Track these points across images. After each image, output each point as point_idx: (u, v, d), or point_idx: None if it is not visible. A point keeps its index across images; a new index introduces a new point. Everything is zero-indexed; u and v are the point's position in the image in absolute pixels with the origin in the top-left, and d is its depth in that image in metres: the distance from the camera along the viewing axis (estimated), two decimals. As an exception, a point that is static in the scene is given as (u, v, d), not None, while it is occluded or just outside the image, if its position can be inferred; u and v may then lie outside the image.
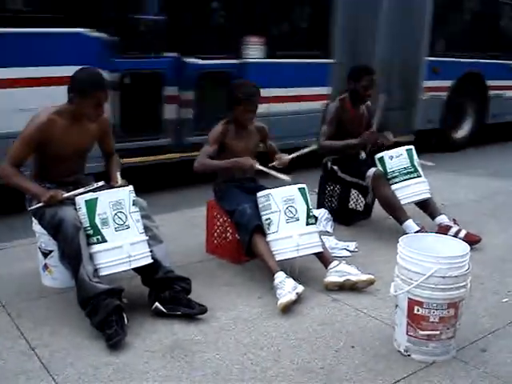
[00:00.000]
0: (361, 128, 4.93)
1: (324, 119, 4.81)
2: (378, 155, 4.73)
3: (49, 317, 3.22)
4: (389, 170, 4.63)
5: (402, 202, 4.55)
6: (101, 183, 3.38)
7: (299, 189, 3.68)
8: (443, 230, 4.45)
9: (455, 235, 4.26)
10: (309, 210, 3.68)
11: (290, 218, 3.60)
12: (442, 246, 2.99)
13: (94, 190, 3.24)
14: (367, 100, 4.87)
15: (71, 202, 3.23)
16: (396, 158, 4.64)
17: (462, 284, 2.82)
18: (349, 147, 4.81)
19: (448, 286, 2.78)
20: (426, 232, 4.18)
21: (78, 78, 3.32)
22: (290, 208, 3.61)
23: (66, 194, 3.26)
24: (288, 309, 3.34)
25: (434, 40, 8.50)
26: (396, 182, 4.59)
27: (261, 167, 3.90)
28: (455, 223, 4.56)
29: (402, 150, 4.66)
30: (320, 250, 3.69)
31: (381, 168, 4.66)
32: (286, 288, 3.38)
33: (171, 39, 6.11)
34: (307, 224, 3.64)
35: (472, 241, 4.15)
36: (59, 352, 2.87)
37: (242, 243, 3.74)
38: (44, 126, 3.28)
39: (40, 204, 3.25)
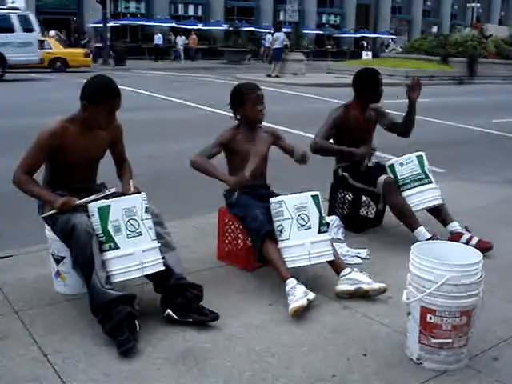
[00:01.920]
0: (370, 132, 4.93)
1: (325, 121, 4.81)
2: (389, 162, 4.73)
3: (61, 323, 3.23)
4: (399, 177, 4.62)
5: (414, 209, 4.53)
6: (113, 190, 3.40)
7: (312, 196, 3.67)
8: (455, 237, 4.43)
9: (467, 242, 4.25)
10: (321, 218, 3.67)
11: (302, 225, 3.60)
12: (455, 254, 2.99)
13: (106, 197, 3.26)
14: (379, 100, 4.87)
15: (84, 209, 3.24)
16: (406, 165, 4.62)
17: (474, 292, 2.81)
18: (342, 154, 4.79)
19: (461, 294, 2.78)
20: (438, 239, 4.17)
21: (89, 86, 3.35)
22: (302, 215, 3.60)
23: (79, 201, 3.28)
24: (299, 314, 3.33)
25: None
26: (407, 189, 4.58)
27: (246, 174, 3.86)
28: (467, 230, 4.54)
29: (413, 156, 4.65)
30: (332, 258, 3.68)
31: (391, 175, 4.64)
32: (297, 294, 3.37)
33: None
34: (319, 232, 3.63)
35: (484, 248, 4.13)
36: (71, 359, 2.88)
37: (255, 249, 3.75)
38: (57, 133, 3.31)
39: (53, 211, 3.27)
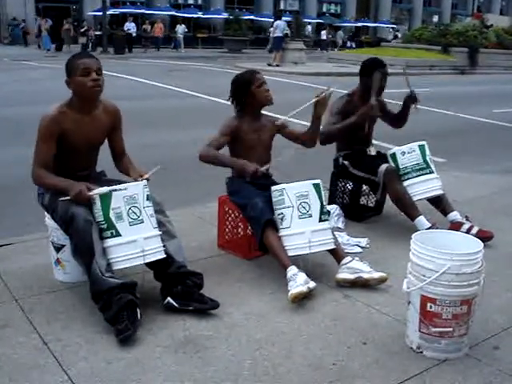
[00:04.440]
0: (370, 121, 4.92)
1: (329, 111, 4.79)
2: (390, 151, 4.72)
3: (61, 311, 3.23)
4: (401, 166, 4.61)
5: (415, 199, 4.53)
6: (124, 186, 3.29)
7: (313, 185, 3.66)
8: (455, 226, 4.42)
9: (467, 232, 4.25)
10: (322, 207, 3.66)
11: (302, 213, 3.59)
12: (456, 243, 2.98)
13: (109, 185, 3.23)
14: (381, 93, 4.84)
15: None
16: (408, 154, 4.61)
17: (475, 281, 2.81)
18: (348, 127, 4.74)
19: (461, 283, 2.77)
20: (438, 228, 4.16)
21: (66, 63, 3.39)
22: (303, 204, 3.59)
23: (92, 192, 3.18)
24: (299, 300, 3.34)
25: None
26: (408, 178, 4.57)
27: (264, 168, 3.85)
28: (467, 220, 4.53)
29: (415, 145, 4.63)
30: (332, 246, 3.68)
31: (393, 164, 4.63)
32: (299, 280, 3.38)
33: None
34: (320, 220, 3.63)
35: (484, 237, 4.12)
36: (72, 346, 2.88)
37: (255, 237, 3.74)
38: (57, 118, 3.32)
39: (67, 197, 3.23)
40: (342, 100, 4.81)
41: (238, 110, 4.09)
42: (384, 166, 4.58)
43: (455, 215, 4.58)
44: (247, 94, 3.99)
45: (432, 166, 4.63)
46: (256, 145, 4.00)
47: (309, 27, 43.38)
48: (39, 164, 3.33)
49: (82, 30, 31.83)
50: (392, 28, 50.38)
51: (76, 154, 3.43)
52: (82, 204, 3.18)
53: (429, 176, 4.59)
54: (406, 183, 4.56)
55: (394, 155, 4.66)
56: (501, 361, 2.88)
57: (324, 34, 42.59)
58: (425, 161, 4.60)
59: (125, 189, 3.19)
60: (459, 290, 2.78)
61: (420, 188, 4.55)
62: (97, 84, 3.33)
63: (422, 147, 4.64)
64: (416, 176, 4.57)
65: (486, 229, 4.43)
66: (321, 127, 4.39)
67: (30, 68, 20.78)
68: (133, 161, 3.72)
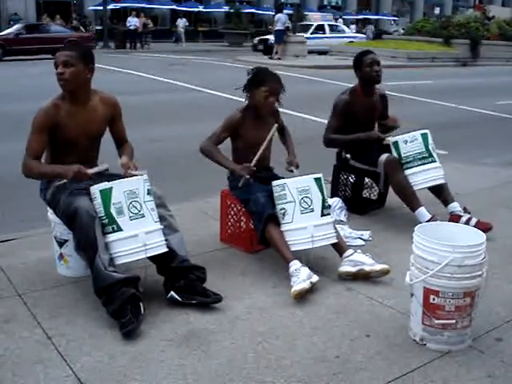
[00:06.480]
0: (373, 118, 4.89)
1: (333, 112, 4.78)
2: (393, 139, 4.68)
3: (65, 306, 3.24)
4: (403, 155, 4.58)
5: (416, 188, 4.51)
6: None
7: (315, 179, 3.64)
8: (455, 218, 4.42)
9: (466, 223, 4.24)
10: (324, 201, 3.65)
11: (304, 208, 3.58)
12: (458, 235, 2.98)
13: (109, 176, 3.25)
14: (378, 80, 4.77)
15: (86, 191, 3.23)
16: (411, 143, 4.58)
17: (478, 273, 2.81)
18: (356, 141, 4.80)
19: (464, 275, 2.77)
20: (437, 220, 4.16)
21: None
22: (305, 199, 3.58)
23: (91, 170, 3.25)
24: (301, 296, 3.34)
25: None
26: (410, 167, 4.55)
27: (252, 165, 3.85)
28: (466, 211, 4.53)
29: (417, 134, 4.61)
30: (335, 241, 3.68)
31: (395, 153, 4.61)
32: (301, 276, 3.38)
33: None
34: (322, 215, 3.62)
35: (483, 229, 4.05)
36: (75, 341, 2.89)
37: (257, 231, 3.74)
38: (49, 111, 3.35)
39: (64, 180, 3.25)
40: (343, 99, 4.78)
41: (246, 100, 4.05)
42: (384, 156, 4.58)
43: (455, 206, 4.56)
44: (256, 89, 3.95)
45: (434, 155, 4.60)
46: (257, 142, 3.92)
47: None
48: (30, 155, 3.34)
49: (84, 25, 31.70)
50: (393, 20, 50.18)
51: (74, 146, 3.44)
52: (84, 198, 3.19)
53: (431, 165, 4.56)
54: (407, 172, 4.55)
55: (396, 143, 4.64)
56: (504, 352, 2.89)
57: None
58: (427, 149, 4.57)
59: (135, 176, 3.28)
60: (462, 282, 2.78)
61: (422, 177, 4.53)
62: (59, 77, 3.37)
63: (424, 136, 4.61)
64: (418, 165, 4.54)
65: (485, 220, 4.42)
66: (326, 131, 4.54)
67: (31, 63, 20.74)
68: (133, 148, 3.74)
